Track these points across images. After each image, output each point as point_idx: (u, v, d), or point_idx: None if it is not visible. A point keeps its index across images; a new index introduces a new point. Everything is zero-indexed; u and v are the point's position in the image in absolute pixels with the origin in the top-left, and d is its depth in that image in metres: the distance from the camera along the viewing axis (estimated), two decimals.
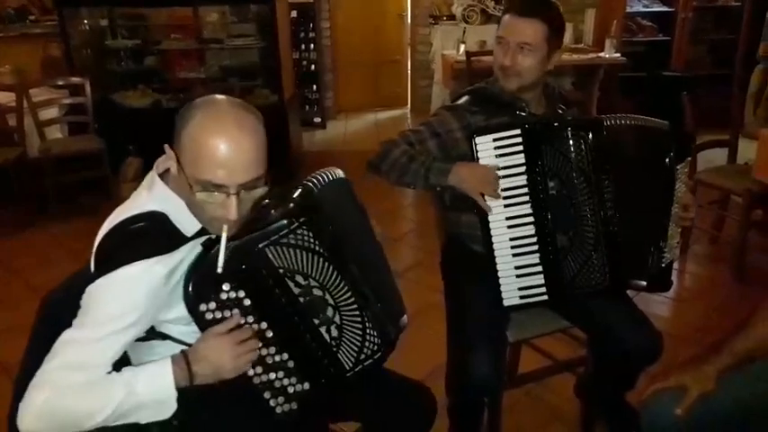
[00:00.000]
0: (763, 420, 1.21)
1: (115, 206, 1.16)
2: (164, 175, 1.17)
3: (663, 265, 1.66)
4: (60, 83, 4.24)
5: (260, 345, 1.16)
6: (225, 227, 1.07)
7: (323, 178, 1.25)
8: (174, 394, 1.08)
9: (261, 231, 1.11)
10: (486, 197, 1.56)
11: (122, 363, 1.11)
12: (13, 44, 4.73)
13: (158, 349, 1.18)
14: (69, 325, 1.06)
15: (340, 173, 1.30)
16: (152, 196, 1.13)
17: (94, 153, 4.07)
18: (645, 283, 1.65)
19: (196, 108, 1.07)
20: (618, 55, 5.23)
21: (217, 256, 1.07)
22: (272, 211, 1.13)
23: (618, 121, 1.56)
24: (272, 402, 1.19)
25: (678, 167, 1.62)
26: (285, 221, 1.12)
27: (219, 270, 1.06)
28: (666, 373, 1.30)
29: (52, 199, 4.06)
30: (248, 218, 1.11)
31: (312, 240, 1.15)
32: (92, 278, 1.07)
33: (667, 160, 1.60)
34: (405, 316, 1.42)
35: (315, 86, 6.32)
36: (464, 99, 1.77)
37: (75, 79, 4.19)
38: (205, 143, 1.03)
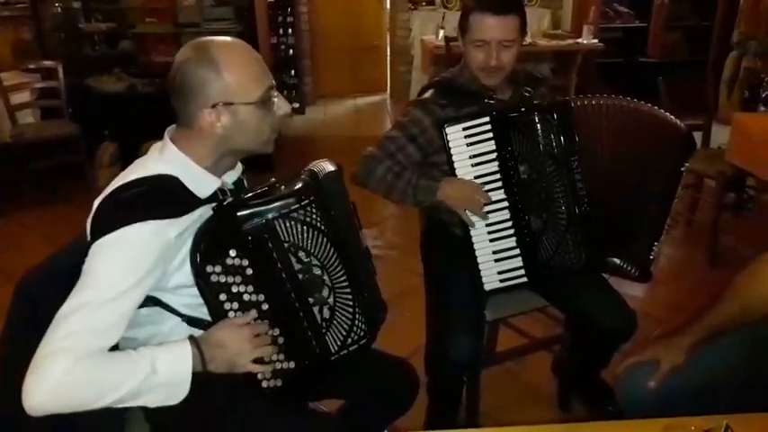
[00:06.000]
0: (733, 390, 1.24)
1: (91, 192, 1.14)
2: (174, 140, 1.16)
3: (651, 257, 1.67)
4: (32, 66, 4.15)
5: (256, 317, 1.17)
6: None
7: (323, 168, 1.27)
8: (189, 379, 1.06)
9: (271, 204, 1.13)
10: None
11: None
12: None
13: (148, 318, 1.16)
14: (48, 308, 1.01)
15: (333, 166, 1.30)
16: (163, 158, 1.14)
17: (69, 138, 4.01)
18: (622, 263, 1.67)
19: (213, 50, 1.14)
20: (595, 41, 5.27)
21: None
22: (282, 187, 1.17)
23: (627, 105, 1.62)
24: (259, 376, 1.20)
25: (683, 168, 1.66)
26: (295, 198, 1.15)
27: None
28: (641, 349, 1.33)
29: (27, 185, 3.98)
30: (256, 191, 1.16)
31: (319, 219, 1.17)
32: (91, 242, 1.04)
33: (676, 158, 1.65)
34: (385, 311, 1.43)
35: (293, 72, 6.24)
36: (430, 92, 1.77)
37: (47, 63, 4.12)
38: (248, 64, 1.14)
